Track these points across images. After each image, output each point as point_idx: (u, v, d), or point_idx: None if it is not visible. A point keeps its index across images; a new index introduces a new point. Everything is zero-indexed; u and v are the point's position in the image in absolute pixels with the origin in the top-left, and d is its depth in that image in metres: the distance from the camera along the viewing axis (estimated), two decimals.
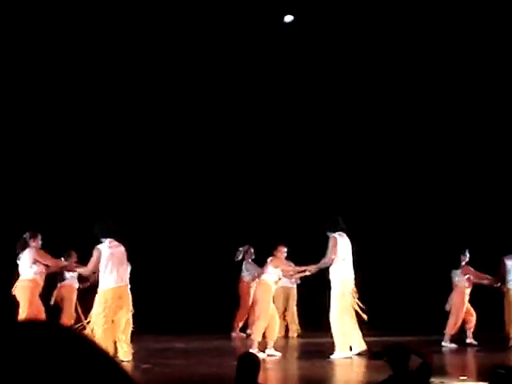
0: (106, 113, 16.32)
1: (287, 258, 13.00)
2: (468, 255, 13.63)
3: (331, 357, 11.65)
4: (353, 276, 12.32)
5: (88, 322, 10.84)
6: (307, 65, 16.64)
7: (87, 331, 10.31)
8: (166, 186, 16.74)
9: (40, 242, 11.45)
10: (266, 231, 14.85)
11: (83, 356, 1.06)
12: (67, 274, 13.37)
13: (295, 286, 15.27)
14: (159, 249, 15.97)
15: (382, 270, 16.32)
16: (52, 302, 13.30)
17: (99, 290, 10.90)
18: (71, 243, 13.12)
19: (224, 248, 15.59)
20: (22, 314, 10.64)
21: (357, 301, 12.14)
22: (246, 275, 15.13)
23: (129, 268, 11.41)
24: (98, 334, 10.42)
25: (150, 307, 14.50)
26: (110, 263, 10.83)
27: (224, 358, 9.91)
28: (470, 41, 15.94)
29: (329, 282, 12.21)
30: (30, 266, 11.32)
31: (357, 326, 12.00)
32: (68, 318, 13.03)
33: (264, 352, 11.70)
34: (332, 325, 12.07)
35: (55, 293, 13.48)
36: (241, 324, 15.13)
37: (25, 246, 11.40)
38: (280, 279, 12.70)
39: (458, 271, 13.56)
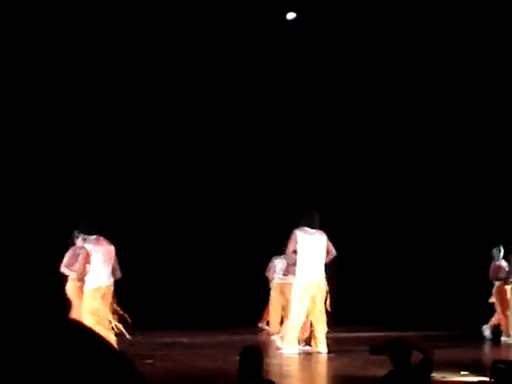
0: (105, 112, 16.10)
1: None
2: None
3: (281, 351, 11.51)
4: (321, 276, 11.52)
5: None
6: (309, 62, 16.68)
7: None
8: (174, 182, 16.60)
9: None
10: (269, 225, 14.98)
11: (102, 354, 1.15)
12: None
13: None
14: (168, 243, 15.95)
15: (383, 266, 16.39)
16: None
17: (84, 288, 10.62)
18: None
19: (232, 242, 15.78)
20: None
21: (325, 302, 11.52)
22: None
23: (117, 266, 10.75)
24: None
25: (154, 302, 14.60)
26: (96, 261, 10.49)
27: (229, 353, 9.94)
28: (470, 41, 15.99)
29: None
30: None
31: (321, 327, 11.53)
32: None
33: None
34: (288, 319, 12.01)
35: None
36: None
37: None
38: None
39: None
